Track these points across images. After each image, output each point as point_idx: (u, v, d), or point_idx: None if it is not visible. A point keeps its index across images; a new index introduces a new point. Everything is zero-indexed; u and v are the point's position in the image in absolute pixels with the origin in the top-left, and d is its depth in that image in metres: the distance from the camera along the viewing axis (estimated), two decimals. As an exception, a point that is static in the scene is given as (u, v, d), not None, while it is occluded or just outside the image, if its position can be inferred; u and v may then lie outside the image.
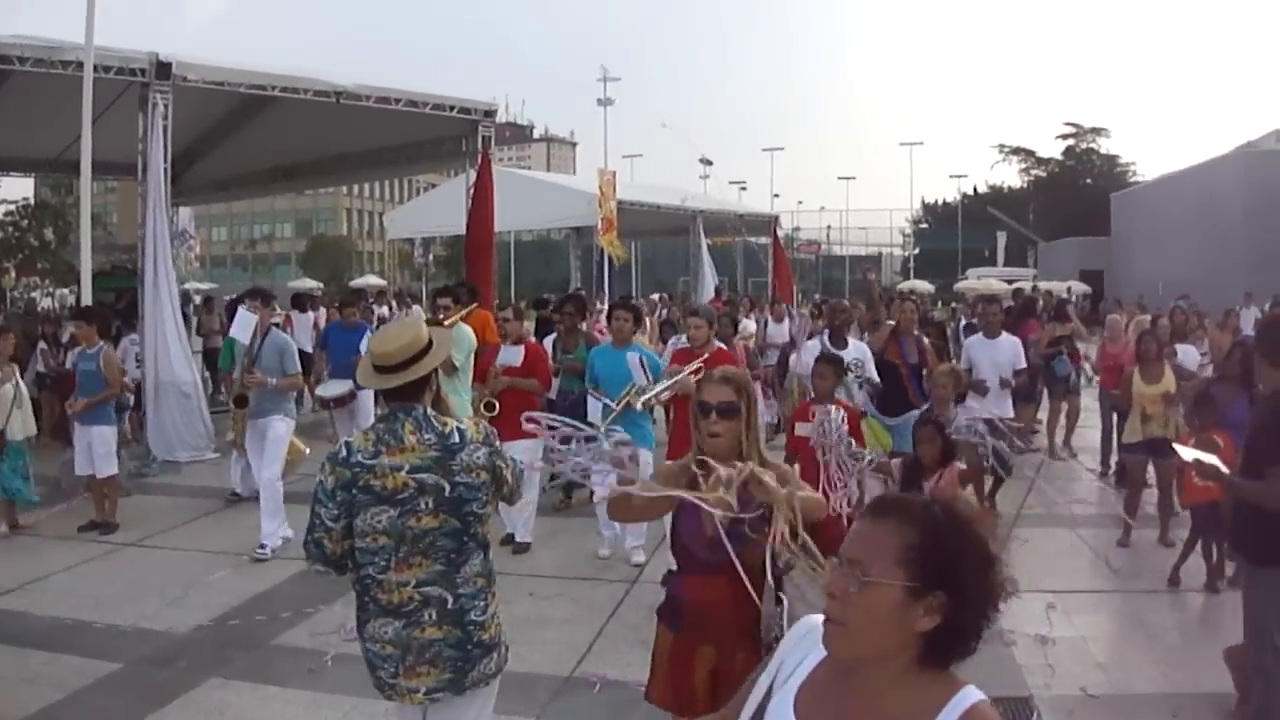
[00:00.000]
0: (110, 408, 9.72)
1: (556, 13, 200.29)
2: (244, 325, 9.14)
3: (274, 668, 6.16)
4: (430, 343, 3.66)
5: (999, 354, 9.76)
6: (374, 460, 3.43)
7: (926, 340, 9.90)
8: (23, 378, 10.77)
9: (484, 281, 14.83)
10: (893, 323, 9.76)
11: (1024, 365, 10.03)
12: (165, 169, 12.73)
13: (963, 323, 15.95)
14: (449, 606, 3.52)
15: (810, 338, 10.84)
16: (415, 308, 17.99)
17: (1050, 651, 6.14)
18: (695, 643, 3.62)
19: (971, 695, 1.78)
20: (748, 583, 3.24)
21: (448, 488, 3.49)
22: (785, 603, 3.28)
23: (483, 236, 15.18)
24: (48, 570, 8.18)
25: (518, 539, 8.52)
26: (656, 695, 3.75)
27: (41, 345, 14.43)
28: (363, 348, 9.97)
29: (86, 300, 12.62)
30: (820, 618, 1.86)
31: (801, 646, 1.98)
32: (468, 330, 9.19)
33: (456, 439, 3.55)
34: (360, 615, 3.58)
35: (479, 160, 15.48)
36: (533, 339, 9.56)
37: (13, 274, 38.29)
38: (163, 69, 12.65)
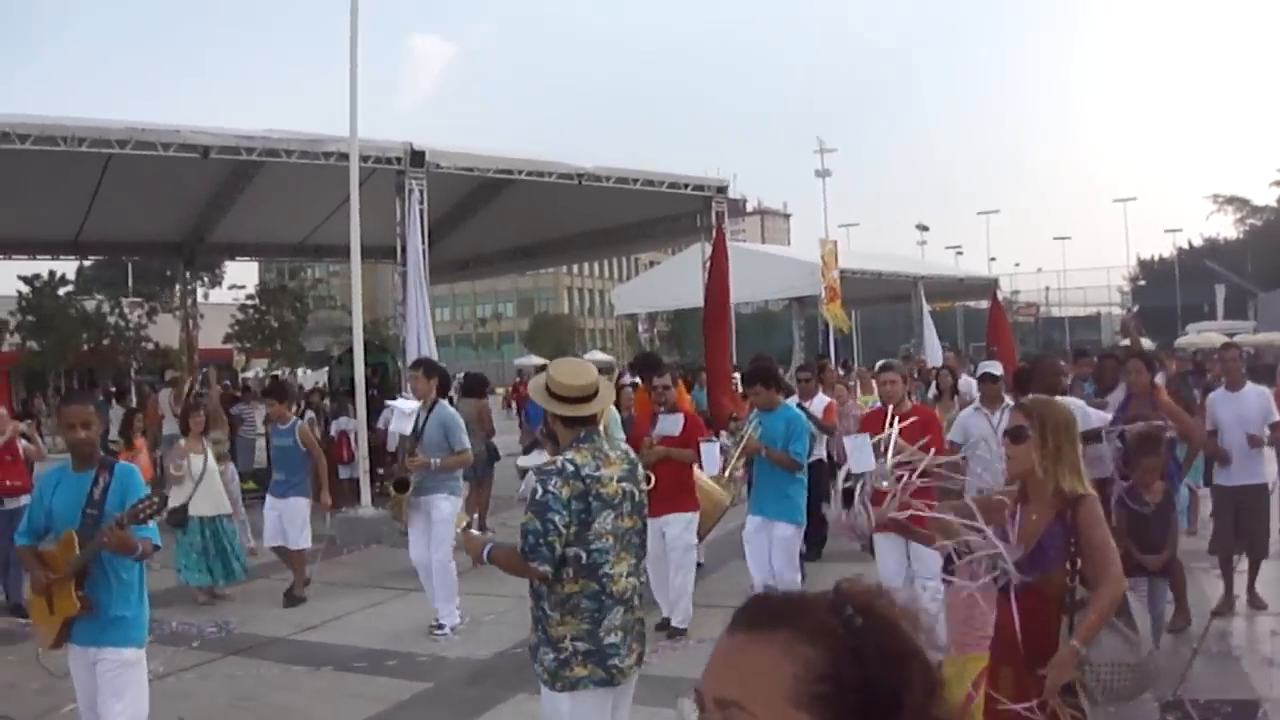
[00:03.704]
0: (306, 481, 9.57)
1: (761, 86, 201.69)
2: (403, 418, 8.69)
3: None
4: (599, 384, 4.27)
5: (1246, 408, 8.38)
6: (598, 473, 4.00)
7: (1165, 396, 8.49)
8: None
9: (721, 353, 15.19)
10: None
11: (1276, 419, 8.52)
12: (423, 250, 13.67)
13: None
14: (641, 591, 4.21)
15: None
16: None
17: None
18: (997, 664, 3.91)
19: None
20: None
21: (637, 493, 4.19)
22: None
23: (719, 309, 15.46)
24: (348, 610, 8.91)
25: (674, 624, 7.89)
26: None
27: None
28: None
29: (359, 376, 13.57)
30: None
31: None
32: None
33: (633, 454, 4.37)
34: (593, 615, 3.97)
35: (714, 235, 15.92)
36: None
37: (244, 357, 40.45)
38: (416, 157, 13.70)
